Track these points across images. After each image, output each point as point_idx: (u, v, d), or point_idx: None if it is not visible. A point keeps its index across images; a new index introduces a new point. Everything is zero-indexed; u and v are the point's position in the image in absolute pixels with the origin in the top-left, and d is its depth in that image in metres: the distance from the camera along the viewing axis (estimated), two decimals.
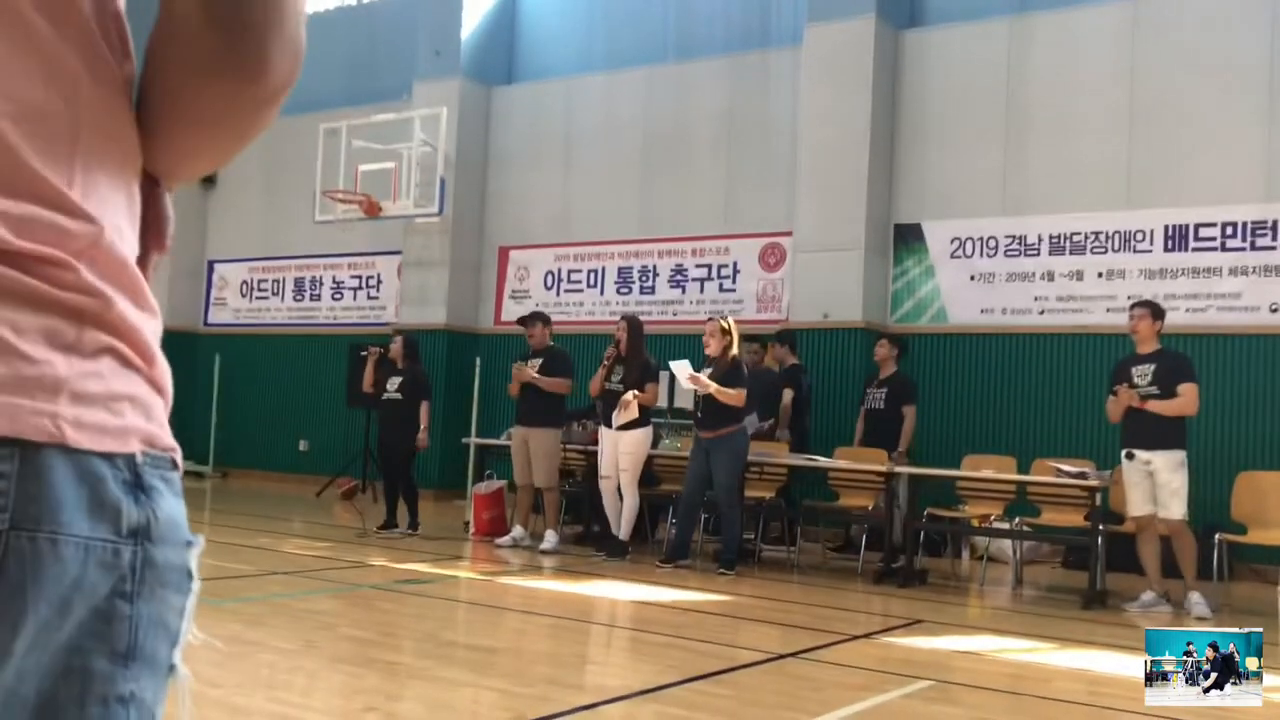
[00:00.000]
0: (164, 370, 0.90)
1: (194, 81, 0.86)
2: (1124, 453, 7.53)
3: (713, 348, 8.46)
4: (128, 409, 0.85)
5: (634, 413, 8.70)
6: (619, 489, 8.92)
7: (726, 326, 8.49)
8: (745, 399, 8.38)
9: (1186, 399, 7.33)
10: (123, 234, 0.87)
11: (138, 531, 0.84)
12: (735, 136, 12.50)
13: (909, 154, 11.38)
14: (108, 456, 0.82)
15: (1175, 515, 7.28)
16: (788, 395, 10.11)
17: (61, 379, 0.80)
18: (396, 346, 10.10)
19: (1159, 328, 7.61)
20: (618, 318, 9.52)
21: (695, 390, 8.41)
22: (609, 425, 8.91)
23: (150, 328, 0.88)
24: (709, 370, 8.37)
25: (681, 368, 8.49)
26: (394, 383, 9.89)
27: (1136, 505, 7.47)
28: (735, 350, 8.49)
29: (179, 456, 0.91)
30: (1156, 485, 7.36)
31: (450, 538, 9.86)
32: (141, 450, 0.85)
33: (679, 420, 10.66)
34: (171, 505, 0.87)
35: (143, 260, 0.96)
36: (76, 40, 0.84)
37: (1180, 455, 7.33)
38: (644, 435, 8.90)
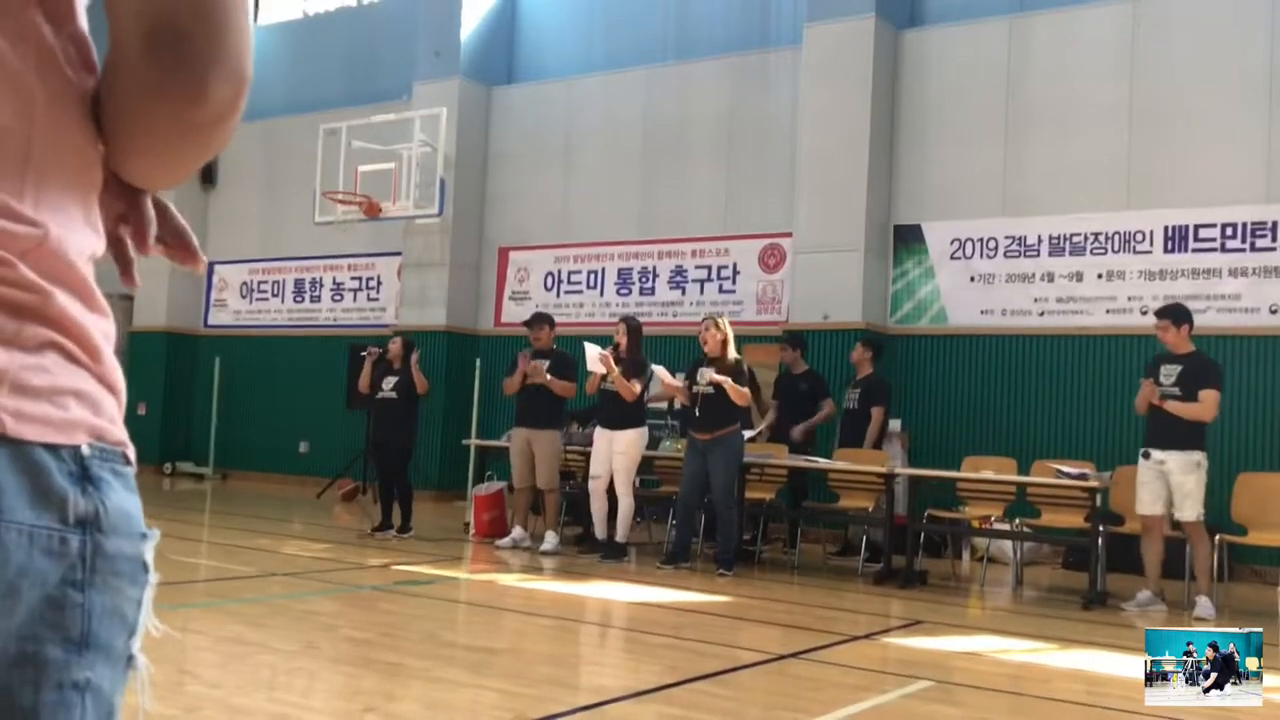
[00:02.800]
0: (112, 368, 0.92)
1: (137, 105, 0.89)
2: (1142, 451, 7.51)
3: (710, 345, 8.47)
4: (73, 403, 0.87)
5: (603, 368, 8.69)
6: (609, 490, 8.93)
7: (721, 325, 8.50)
8: (750, 399, 8.42)
9: (1204, 405, 7.30)
10: (71, 239, 0.89)
11: (86, 521, 0.86)
12: (735, 137, 12.50)
13: (909, 154, 11.38)
14: (52, 448, 0.84)
15: (1189, 517, 7.25)
16: (828, 405, 10.10)
17: (1, 371, 0.82)
18: (395, 347, 10.08)
19: (1186, 331, 7.55)
20: (616, 319, 9.52)
21: (696, 389, 8.40)
22: (605, 425, 8.92)
23: (98, 326, 0.90)
24: (709, 371, 8.36)
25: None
26: (389, 383, 9.87)
27: (1144, 504, 7.45)
28: (733, 349, 8.50)
29: (131, 452, 0.93)
30: (1171, 486, 7.32)
31: (450, 539, 9.86)
32: (89, 443, 0.87)
33: (679, 421, 10.66)
34: (123, 498, 0.90)
35: (123, 262, 1.00)
36: (34, 60, 0.86)
37: (1196, 457, 7.28)
38: (638, 435, 8.91)
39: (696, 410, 8.39)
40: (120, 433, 0.92)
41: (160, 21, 0.85)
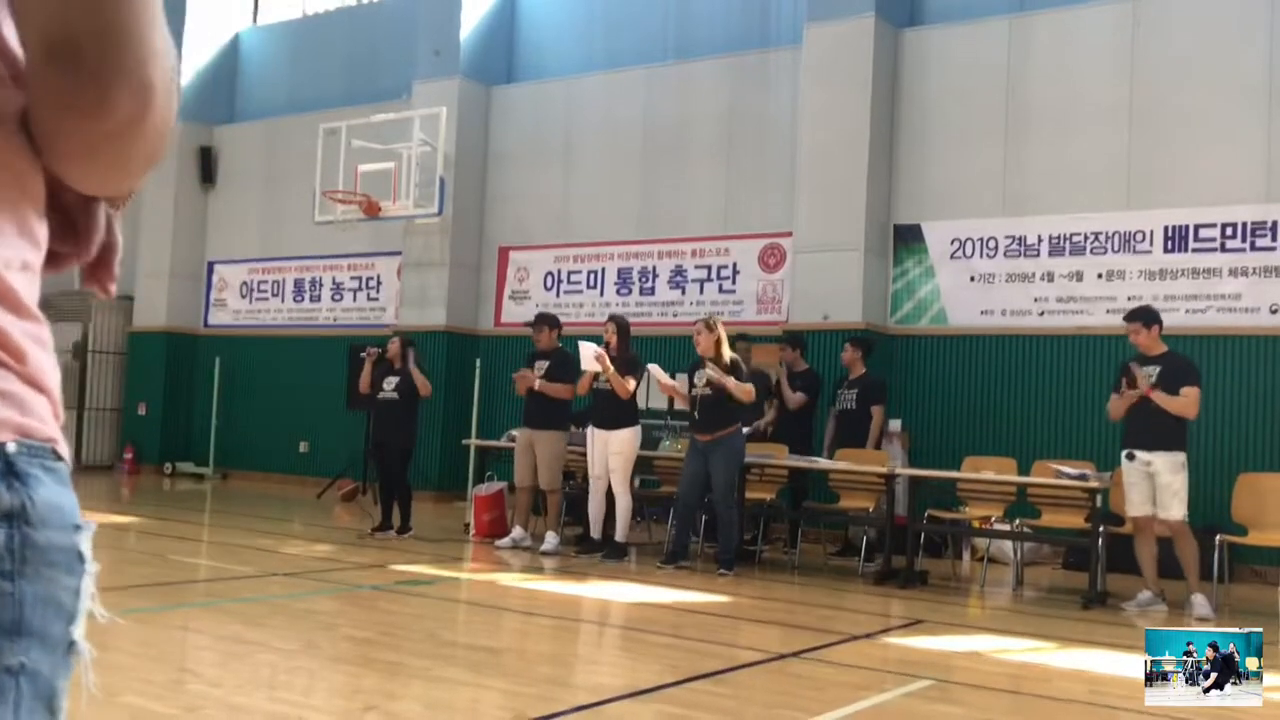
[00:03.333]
0: (40, 369, 0.94)
1: (48, 116, 0.90)
2: (1124, 453, 7.56)
3: (703, 345, 8.47)
4: None
5: (599, 366, 8.68)
6: (607, 490, 8.93)
7: (713, 324, 8.50)
8: (753, 395, 8.45)
9: (1189, 400, 7.37)
10: (1, 253, 0.91)
11: (12, 515, 0.88)
12: (735, 136, 12.50)
13: (909, 154, 11.38)
14: None
15: (1175, 516, 7.31)
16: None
17: None
18: (394, 347, 10.07)
19: (1157, 332, 7.63)
20: (605, 319, 9.54)
21: (695, 391, 8.40)
22: (598, 425, 8.93)
23: (23, 329, 0.93)
24: (707, 371, 8.36)
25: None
26: (390, 383, 9.86)
27: (1135, 505, 7.50)
28: (727, 349, 8.49)
29: (62, 448, 0.95)
30: (1157, 486, 7.38)
31: (451, 539, 9.85)
32: (14, 440, 0.90)
33: (678, 422, 10.67)
34: (53, 492, 0.92)
35: (67, 263, 1.02)
36: None
37: (1181, 457, 7.37)
38: (633, 434, 8.92)
39: (696, 412, 8.40)
40: (50, 430, 0.94)
41: (58, 35, 0.86)
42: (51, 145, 0.92)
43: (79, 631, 0.95)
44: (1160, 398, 7.36)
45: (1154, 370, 7.48)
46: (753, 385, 8.44)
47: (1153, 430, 7.39)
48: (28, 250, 0.94)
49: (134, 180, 0.99)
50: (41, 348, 0.95)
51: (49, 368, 0.96)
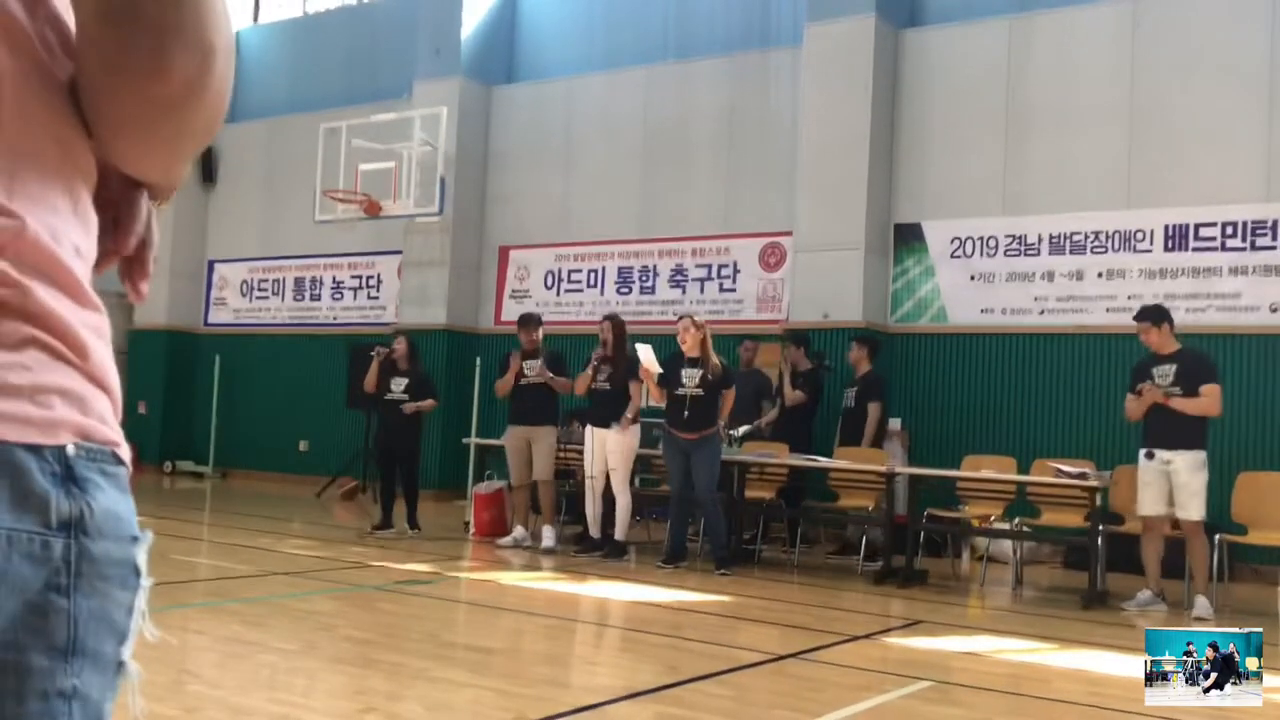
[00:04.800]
0: (102, 364, 0.89)
1: (103, 83, 0.85)
2: (1144, 452, 7.46)
3: (689, 344, 8.47)
4: (57, 401, 0.84)
5: (657, 368, 8.64)
6: (605, 489, 8.93)
7: (700, 323, 8.51)
8: (733, 397, 8.59)
9: (1210, 399, 7.27)
10: (56, 232, 0.86)
11: (70, 524, 0.83)
12: (735, 136, 12.50)
13: (909, 154, 11.38)
14: (33, 448, 0.81)
15: (1193, 516, 7.22)
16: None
17: None
18: (401, 347, 10.09)
19: (1168, 330, 7.55)
20: (600, 318, 9.52)
21: (683, 390, 8.39)
22: (596, 424, 8.92)
23: (85, 322, 0.87)
24: (696, 373, 8.37)
25: (647, 353, 8.58)
26: (399, 384, 9.91)
27: (1147, 504, 7.42)
28: (711, 349, 8.48)
29: (123, 451, 0.90)
30: (1175, 486, 7.27)
31: (451, 538, 9.86)
32: (74, 443, 0.84)
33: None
34: (112, 499, 0.87)
35: (109, 260, 0.96)
36: (3, 42, 0.83)
37: (1201, 456, 7.26)
38: (632, 433, 8.91)
39: (685, 411, 8.38)
40: (110, 432, 0.88)
41: None
42: (105, 116, 0.87)
43: (129, 651, 0.90)
44: (1180, 403, 7.26)
45: (1170, 370, 7.42)
46: (734, 388, 8.55)
47: (1173, 429, 7.28)
48: (81, 233, 0.89)
49: (187, 157, 0.95)
50: (102, 340, 0.89)
51: (110, 363, 0.90)
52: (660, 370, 8.56)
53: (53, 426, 0.83)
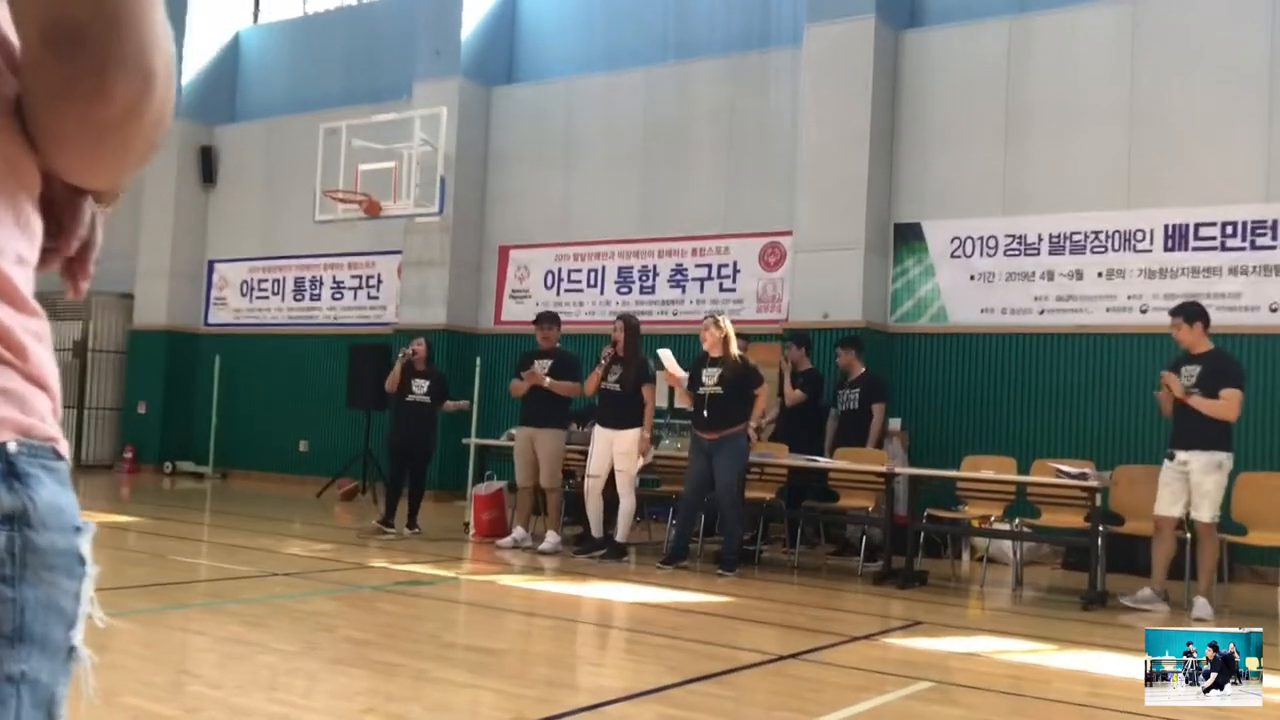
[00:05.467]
0: (41, 365, 0.92)
1: (46, 105, 0.88)
2: (1166, 453, 7.46)
3: (709, 343, 8.48)
4: None
5: (681, 372, 8.71)
6: (607, 489, 8.92)
7: (722, 323, 8.50)
8: (765, 396, 8.59)
9: (1227, 403, 7.26)
10: None
11: (13, 517, 0.86)
12: (735, 136, 12.50)
13: (909, 154, 11.38)
14: None
15: (1204, 517, 7.21)
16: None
17: None
18: (421, 349, 10.17)
19: (1200, 330, 7.50)
20: (615, 317, 9.49)
21: (703, 389, 8.40)
22: (604, 425, 8.91)
23: (23, 325, 0.91)
24: (715, 371, 8.37)
25: (668, 357, 8.63)
26: (421, 385, 9.98)
27: (1163, 504, 7.41)
28: (735, 349, 8.49)
29: (62, 447, 0.93)
30: (1189, 486, 7.28)
31: (451, 539, 9.86)
32: (15, 440, 0.88)
33: (679, 420, 10.66)
34: (54, 493, 0.90)
35: (53, 260, 0.99)
36: None
37: (1218, 457, 7.23)
38: (640, 434, 8.89)
39: (705, 410, 8.37)
40: (51, 429, 0.92)
41: (55, 17, 0.84)
42: (48, 135, 0.90)
43: (78, 636, 0.93)
44: (1196, 401, 7.26)
45: (1195, 371, 7.38)
46: (765, 384, 8.52)
47: (1191, 430, 7.28)
48: (24, 242, 0.92)
49: (128, 172, 0.97)
50: (42, 344, 0.93)
51: (49, 364, 0.94)
52: (684, 374, 8.59)
53: None
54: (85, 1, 0.84)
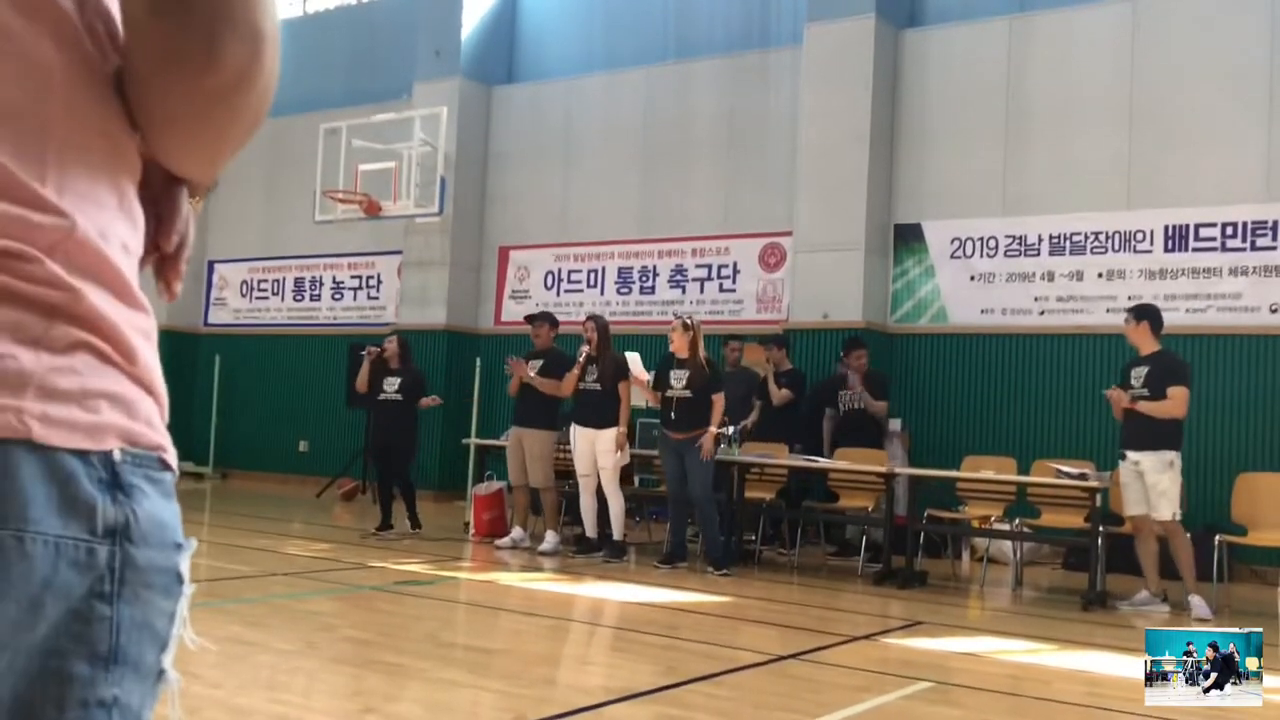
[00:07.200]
0: (149, 368, 0.88)
1: (153, 76, 0.84)
2: (1119, 454, 7.57)
3: (676, 344, 8.47)
4: (104, 406, 0.83)
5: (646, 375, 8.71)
6: (597, 489, 8.92)
7: (690, 324, 8.49)
8: (723, 401, 8.46)
9: (1172, 402, 7.33)
10: (104, 230, 0.85)
11: (115, 531, 0.82)
12: (735, 136, 12.50)
13: (909, 154, 11.38)
14: (81, 454, 0.80)
15: (1164, 516, 7.27)
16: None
17: (28, 373, 0.78)
18: (393, 347, 10.07)
19: (1149, 329, 7.58)
20: (585, 318, 9.47)
21: (671, 392, 8.40)
22: (583, 424, 8.90)
23: (133, 324, 0.87)
24: (684, 374, 8.38)
25: (636, 361, 8.66)
26: (392, 384, 9.87)
27: (1131, 505, 7.50)
28: (702, 350, 8.48)
29: (170, 457, 0.88)
30: (1145, 486, 7.35)
31: (450, 539, 9.85)
32: (120, 448, 0.83)
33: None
34: (157, 505, 0.85)
35: (147, 258, 0.95)
36: (53, 36, 0.82)
37: (1169, 456, 7.30)
38: (620, 434, 8.89)
39: (673, 412, 8.40)
40: (157, 436, 0.87)
41: None
42: (153, 111, 0.86)
43: (170, 659, 0.88)
44: (1144, 406, 7.35)
45: (1143, 372, 7.46)
46: (722, 393, 8.44)
47: (1140, 431, 7.38)
48: (129, 230, 0.88)
49: (231, 153, 0.93)
50: (149, 342, 0.88)
51: (156, 366, 0.89)
52: (648, 378, 8.61)
53: (100, 432, 0.82)
54: None
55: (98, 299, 0.83)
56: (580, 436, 8.89)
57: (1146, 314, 7.65)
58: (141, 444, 0.85)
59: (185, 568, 0.89)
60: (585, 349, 8.95)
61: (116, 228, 0.86)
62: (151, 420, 0.87)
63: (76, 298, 0.82)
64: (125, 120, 0.87)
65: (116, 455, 0.83)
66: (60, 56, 0.82)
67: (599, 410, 8.83)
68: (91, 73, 0.84)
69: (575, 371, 8.93)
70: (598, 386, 8.84)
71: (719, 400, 8.39)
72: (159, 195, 0.94)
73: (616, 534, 8.88)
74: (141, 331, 0.87)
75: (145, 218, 0.92)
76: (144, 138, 0.88)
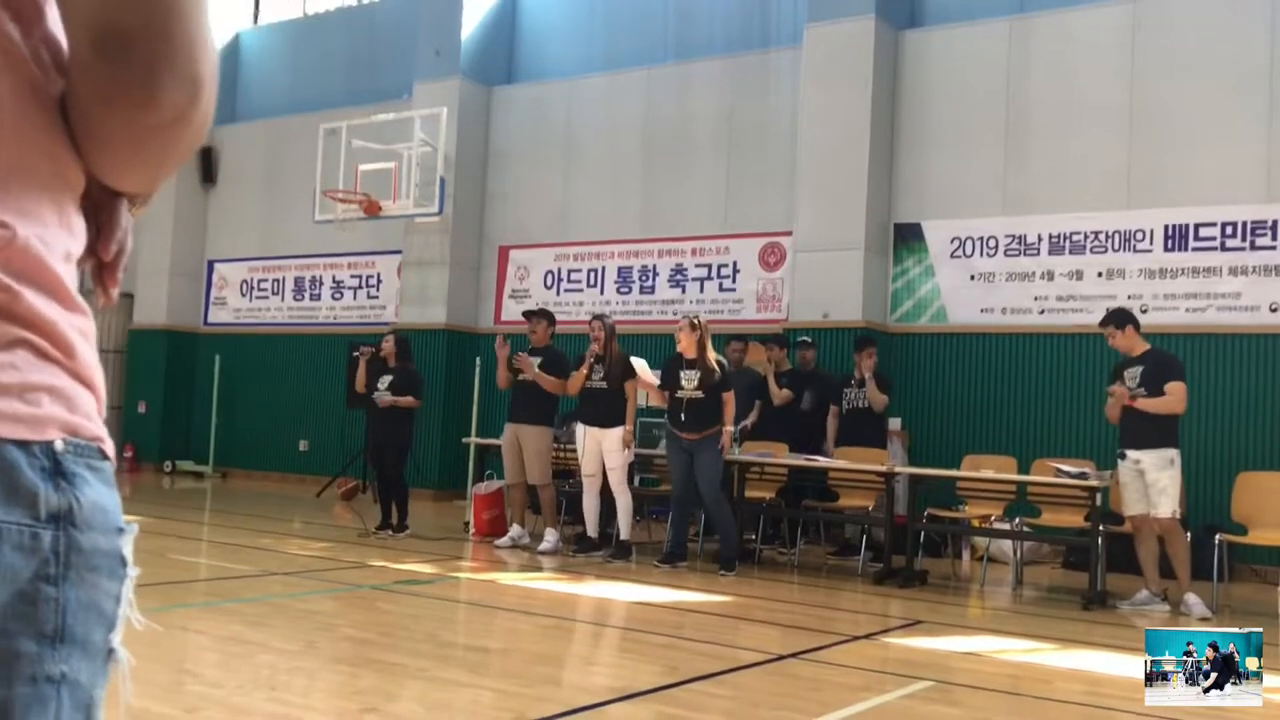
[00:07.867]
0: (88, 364, 0.92)
1: (93, 108, 0.88)
2: (1118, 453, 7.57)
3: (684, 344, 8.47)
4: (45, 399, 0.88)
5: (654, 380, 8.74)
6: (602, 488, 8.91)
7: (697, 324, 8.49)
8: (734, 400, 8.50)
9: (1173, 397, 7.35)
10: (45, 240, 0.89)
11: (59, 516, 0.86)
12: (735, 136, 12.50)
13: (909, 154, 11.38)
14: (22, 444, 0.85)
15: (1164, 514, 7.28)
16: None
17: None
18: (388, 345, 10.06)
19: (1133, 332, 7.61)
20: (590, 317, 9.47)
21: (682, 393, 8.40)
22: (589, 423, 8.90)
23: (71, 324, 0.91)
24: (694, 374, 8.37)
25: (643, 366, 8.67)
26: (384, 382, 9.84)
27: (1130, 505, 7.51)
28: (710, 351, 8.48)
29: (108, 447, 0.93)
30: (1146, 484, 7.36)
31: (450, 538, 9.85)
32: (62, 439, 0.88)
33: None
34: (99, 492, 0.90)
35: (85, 264, 1.00)
36: (1, 61, 0.86)
37: (1169, 454, 7.31)
38: (626, 432, 8.88)
39: (683, 413, 8.39)
40: (96, 428, 0.92)
41: (107, 25, 0.84)
42: (93, 137, 0.90)
43: (118, 639, 0.93)
44: (1144, 403, 7.36)
45: (1138, 371, 7.48)
46: (732, 391, 8.48)
47: (1140, 429, 7.38)
48: (69, 241, 0.92)
49: (166, 176, 0.98)
50: (88, 341, 0.93)
51: (95, 362, 0.94)
52: (657, 382, 8.62)
53: (41, 423, 0.87)
54: (136, 9, 0.84)
55: (36, 300, 0.88)
56: (587, 435, 8.89)
57: (1127, 318, 7.69)
58: (82, 435, 0.90)
59: (128, 551, 0.94)
60: (593, 348, 8.95)
61: (57, 239, 0.91)
62: (90, 413, 0.92)
63: (15, 298, 0.86)
64: (68, 142, 0.91)
65: (59, 445, 0.88)
66: (8, 81, 0.86)
67: (606, 409, 8.83)
68: (37, 97, 0.88)
69: (583, 370, 8.92)
70: (604, 386, 8.84)
71: (730, 399, 8.42)
72: (99, 206, 0.98)
73: (624, 534, 8.87)
74: (80, 331, 0.92)
75: (86, 226, 0.97)
76: (84, 157, 0.92)
